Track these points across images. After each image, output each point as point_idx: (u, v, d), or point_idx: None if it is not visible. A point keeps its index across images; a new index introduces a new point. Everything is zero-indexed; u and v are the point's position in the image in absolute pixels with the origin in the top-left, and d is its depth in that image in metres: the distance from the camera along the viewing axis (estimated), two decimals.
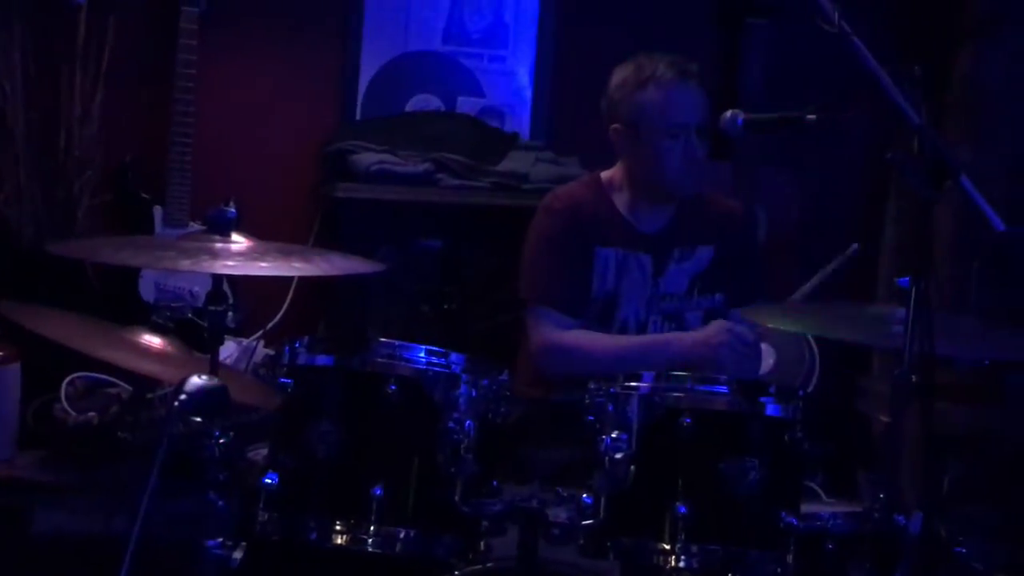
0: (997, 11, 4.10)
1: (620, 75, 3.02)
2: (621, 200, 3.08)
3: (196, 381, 1.98)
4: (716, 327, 2.89)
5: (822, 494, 3.82)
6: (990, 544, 3.00)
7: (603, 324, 3.03)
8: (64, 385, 3.59)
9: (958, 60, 4.20)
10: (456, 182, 4.04)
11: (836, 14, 2.09)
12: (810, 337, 4.07)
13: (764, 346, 3.41)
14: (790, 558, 2.20)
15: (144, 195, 3.98)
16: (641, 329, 3.06)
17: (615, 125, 3.02)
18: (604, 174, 3.13)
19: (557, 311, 2.99)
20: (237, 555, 2.33)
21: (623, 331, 3.05)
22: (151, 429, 3.36)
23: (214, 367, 2.37)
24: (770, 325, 2.95)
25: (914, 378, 2.02)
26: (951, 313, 2.74)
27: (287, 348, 2.33)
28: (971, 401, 3.20)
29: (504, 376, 2.35)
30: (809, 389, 4.02)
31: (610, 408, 2.25)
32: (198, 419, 2.06)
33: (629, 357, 2.86)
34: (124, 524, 2.50)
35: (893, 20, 4.17)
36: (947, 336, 2.24)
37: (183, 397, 1.95)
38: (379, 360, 2.28)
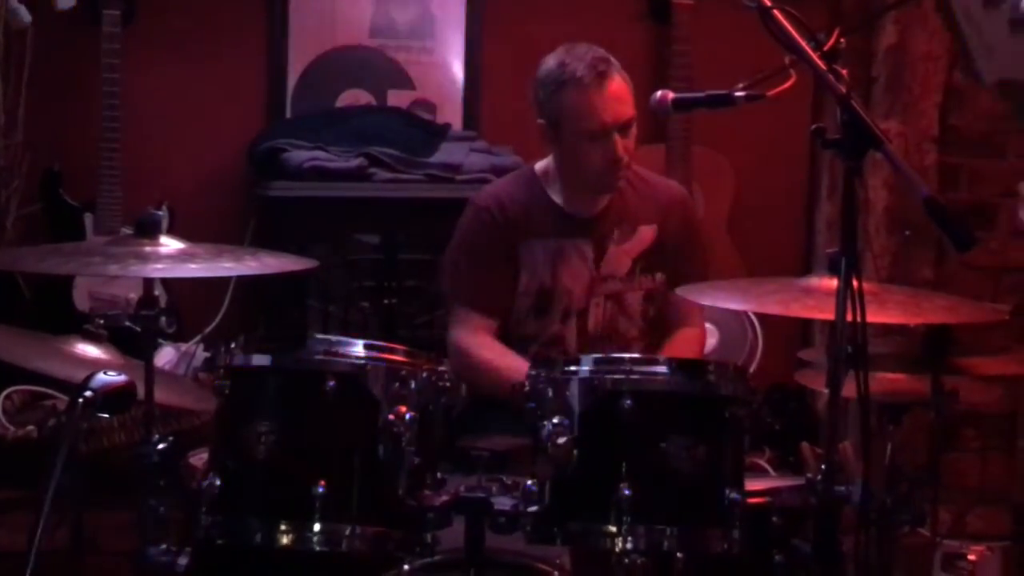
0: None
1: (542, 71, 3.02)
2: (556, 190, 3.09)
3: (101, 377, 1.95)
4: None
5: (770, 470, 3.86)
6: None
7: (540, 315, 3.05)
8: (1, 399, 3.55)
9: (884, 32, 4.23)
10: (390, 176, 4.02)
11: None
12: (752, 314, 4.11)
13: (707, 325, 3.43)
14: (736, 533, 2.21)
15: (74, 203, 3.93)
16: (582, 314, 3.07)
17: (540, 120, 3.03)
18: (538, 165, 3.14)
19: (476, 312, 3.03)
20: (182, 560, 2.31)
21: (565, 319, 3.06)
22: (92, 439, 3.32)
23: (149, 372, 2.35)
24: (709, 303, 2.98)
25: (849, 349, 2.03)
26: (885, 284, 2.77)
27: (222, 349, 2.31)
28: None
29: (443, 367, 2.34)
30: (753, 366, 4.05)
31: (550, 393, 2.25)
32: (105, 415, 2.03)
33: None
34: (68, 537, 2.47)
35: None
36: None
37: (88, 393, 1.93)
38: (316, 357, 2.26)
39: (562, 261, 3.05)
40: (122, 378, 1.97)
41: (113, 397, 1.96)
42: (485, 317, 3.03)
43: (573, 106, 2.95)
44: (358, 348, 2.28)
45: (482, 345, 3.02)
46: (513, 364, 2.92)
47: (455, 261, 3.09)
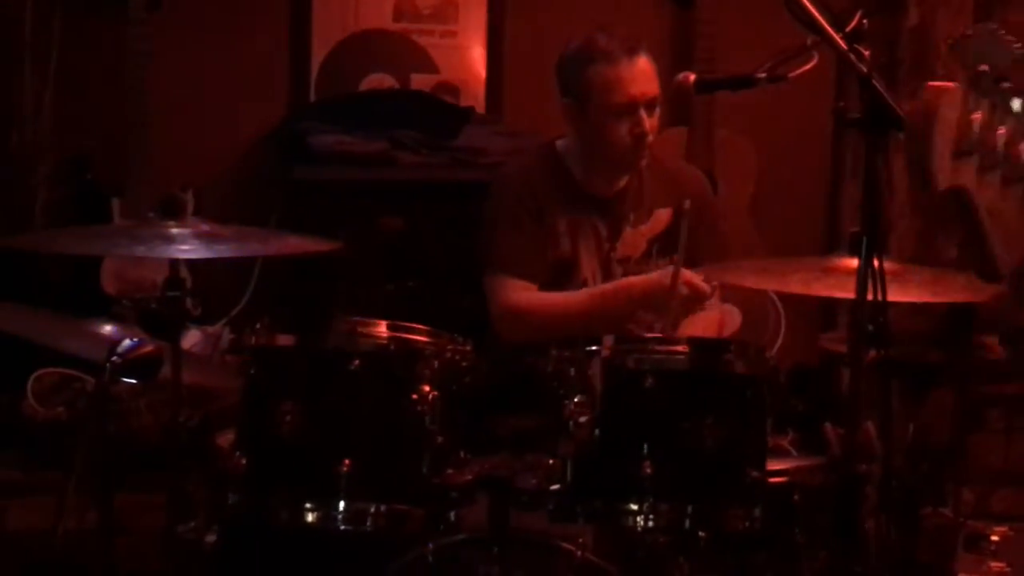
0: None
1: (570, 49, 3.04)
2: (576, 166, 3.10)
3: (128, 343, 1.98)
4: (668, 273, 2.90)
5: (793, 452, 3.86)
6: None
7: (560, 287, 3.06)
8: (31, 381, 3.58)
9: (908, 13, 4.22)
10: (414, 159, 4.04)
11: None
12: (774, 295, 4.11)
13: (729, 306, 3.43)
14: (758, 511, 2.22)
15: (102, 187, 3.96)
16: None
17: (566, 99, 3.04)
18: (559, 142, 3.15)
19: (514, 277, 3.01)
20: (210, 538, 2.34)
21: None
22: (120, 420, 3.35)
23: (176, 354, 2.38)
24: (731, 282, 2.99)
25: (870, 327, 2.04)
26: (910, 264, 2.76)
27: (247, 329, 2.33)
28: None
29: (467, 347, 2.36)
30: (776, 347, 4.05)
31: (572, 372, 2.27)
32: (132, 380, 2.06)
33: (590, 309, 2.89)
34: (97, 518, 2.51)
35: None
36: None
37: (115, 359, 1.95)
38: (341, 337, 2.28)
39: (581, 236, 3.07)
40: (148, 343, 1.99)
41: (139, 363, 1.98)
42: (526, 281, 3.02)
43: (602, 80, 2.96)
44: (382, 328, 2.30)
45: (531, 296, 3.00)
46: (571, 296, 2.97)
47: (489, 233, 3.07)
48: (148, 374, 2.02)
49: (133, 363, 1.96)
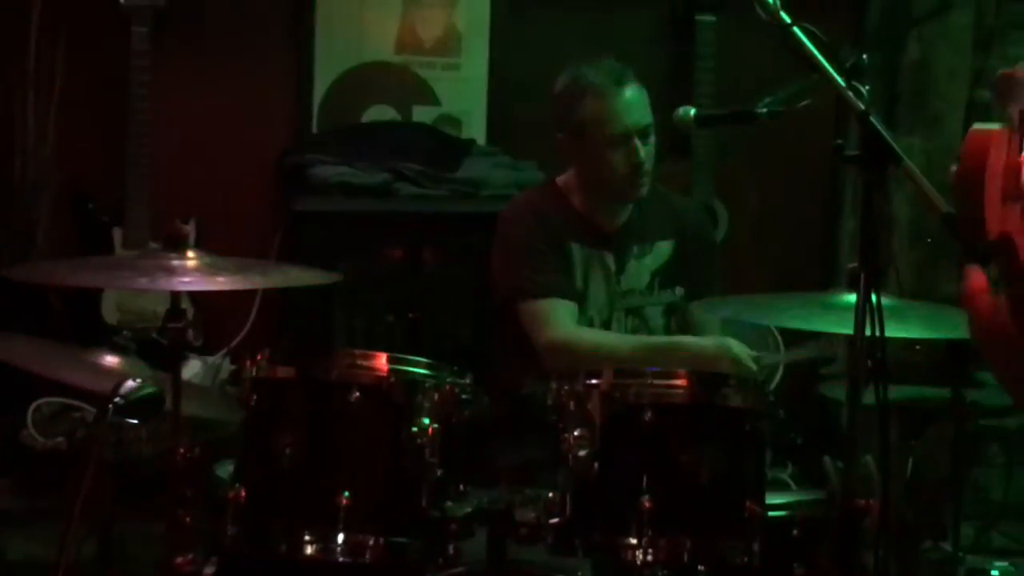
0: None
1: (560, 84, 3.05)
2: (579, 201, 3.11)
3: (130, 384, 1.98)
4: (721, 346, 2.91)
5: (792, 485, 3.85)
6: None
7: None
8: (31, 411, 3.59)
9: (908, 48, 4.24)
10: (415, 191, 4.05)
11: (776, 7, 2.11)
12: (774, 328, 4.12)
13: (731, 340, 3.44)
14: (756, 546, 2.22)
15: (103, 217, 3.98)
16: (605, 325, 3.09)
17: (560, 134, 3.05)
18: (560, 179, 3.16)
19: (558, 297, 2.98)
20: (208, 570, 2.34)
21: (590, 327, 3.08)
22: (120, 450, 3.35)
23: (177, 384, 2.38)
24: (731, 317, 3.00)
25: (869, 362, 2.04)
26: (908, 298, 2.77)
27: (249, 361, 2.33)
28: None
29: (467, 379, 2.36)
30: (775, 380, 4.05)
31: (572, 406, 2.27)
32: (134, 421, 2.06)
33: (635, 357, 2.88)
34: (96, 547, 2.51)
35: (847, 11, 4.22)
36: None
37: (118, 400, 1.95)
38: (341, 369, 2.28)
39: (591, 269, 3.07)
40: (150, 384, 2.00)
41: (142, 403, 1.98)
42: (569, 300, 3.00)
43: (593, 113, 2.98)
44: (382, 360, 2.31)
45: (582, 333, 2.98)
46: (622, 340, 2.98)
47: (517, 265, 3.03)
48: (150, 414, 2.03)
49: (135, 404, 1.96)
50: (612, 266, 3.08)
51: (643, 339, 3.03)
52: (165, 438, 3.40)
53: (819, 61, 2.10)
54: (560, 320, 2.97)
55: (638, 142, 2.97)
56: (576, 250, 3.06)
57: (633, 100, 2.98)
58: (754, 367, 2.91)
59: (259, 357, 2.32)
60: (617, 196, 3.08)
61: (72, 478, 3.30)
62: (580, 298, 3.05)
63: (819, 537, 2.36)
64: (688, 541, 2.21)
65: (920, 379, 2.90)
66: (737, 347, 2.90)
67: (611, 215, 3.11)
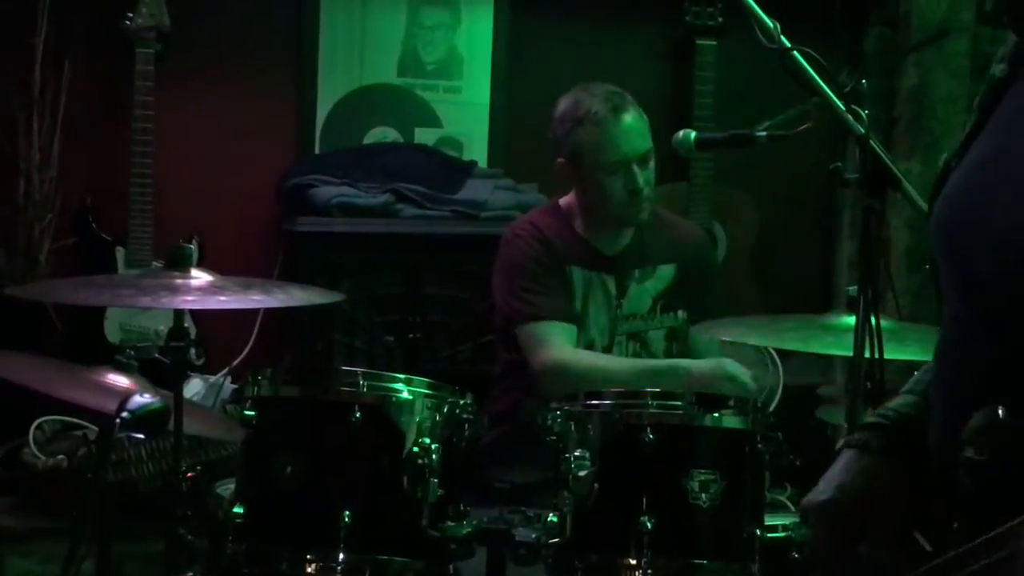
0: (941, 24, 4.18)
1: (559, 111, 3.06)
2: (580, 225, 3.12)
3: (137, 399, 1.99)
4: (717, 367, 2.92)
5: (791, 507, 3.86)
6: None
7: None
8: (32, 430, 3.59)
9: (906, 73, 4.27)
10: (416, 212, 4.07)
11: (776, 32, 2.14)
12: (772, 350, 4.13)
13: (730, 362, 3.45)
14: (756, 567, 2.22)
15: (106, 236, 4.00)
16: (607, 350, 3.09)
17: (559, 159, 3.07)
18: (562, 201, 3.18)
19: (557, 320, 3.00)
20: None
21: (590, 349, 3.09)
22: (119, 468, 3.36)
23: (179, 403, 2.39)
24: (730, 339, 3.01)
25: (868, 385, 2.05)
26: (907, 323, 2.79)
27: (250, 380, 2.35)
28: None
29: (467, 399, 2.37)
30: (774, 402, 4.06)
31: (572, 427, 2.28)
32: (140, 436, 2.06)
33: (639, 383, 2.87)
34: (95, 567, 2.51)
35: (844, 36, 4.25)
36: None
37: (125, 414, 1.97)
38: (342, 389, 2.29)
39: (591, 293, 3.08)
40: (158, 400, 2.01)
41: (149, 418, 1.99)
42: (567, 323, 3.01)
43: (591, 141, 2.99)
44: (383, 380, 2.32)
45: (579, 355, 2.99)
46: (620, 364, 2.98)
47: (516, 288, 3.04)
48: (156, 429, 2.04)
49: (142, 419, 1.97)
50: (613, 289, 3.09)
51: (640, 362, 3.04)
52: (166, 457, 3.43)
53: (819, 85, 2.13)
54: (556, 343, 2.97)
55: (636, 168, 2.98)
56: (577, 273, 3.07)
57: (631, 127, 2.99)
58: (752, 387, 2.92)
59: (260, 376, 2.33)
60: (616, 222, 3.09)
61: (72, 496, 3.32)
62: (580, 322, 3.06)
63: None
64: (686, 563, 2.21)
65: None
66: (734, 368, 2.92)
67: (612, 239, 3.12)
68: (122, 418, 1.95)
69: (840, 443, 1.50)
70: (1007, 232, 1.17)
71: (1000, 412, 1.13)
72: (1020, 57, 1.29)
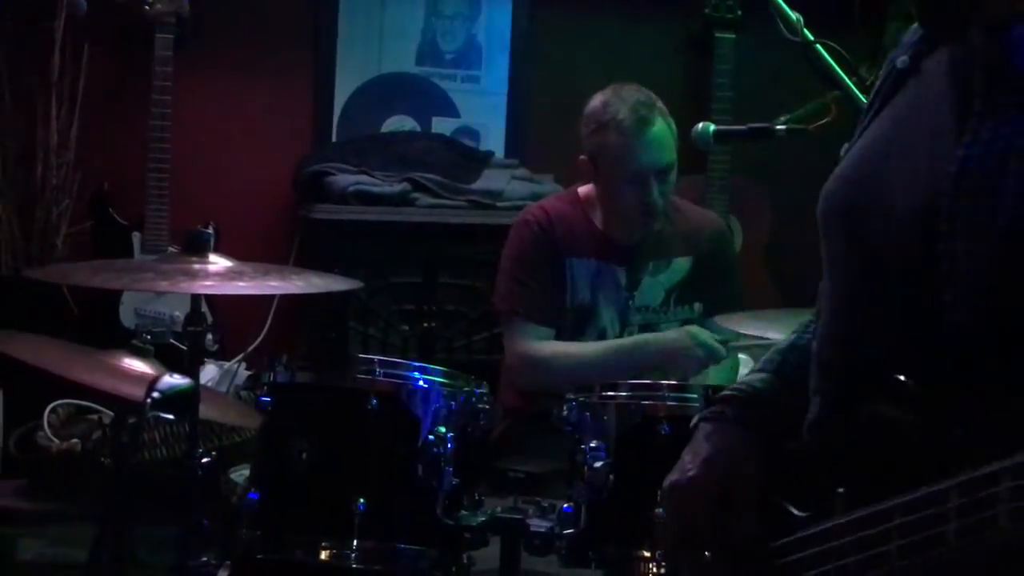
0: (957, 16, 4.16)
1: (589, 109, 3.03)
2: (596, 215, 3.11)
3: (168, 379, 2.00)
4: (684, 335, 2.93)
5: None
6: None
7: (579, 334, 3.06)
8: (47, 413, 3.60)
9: None
10: (432, 201, 4.07)
11: (799, 25, 2.13)
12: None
13: (742, 356, 3.43)
14: None
15: (122, 221, 4.00)
16: None
17: (581, 156, 3.06)
18: (581, 189, 3.16)
19: (532, 322, 3.02)
20: (222, 574, 2.34)
21: (601, 340, 3.09)
22: (134, 453, 3.36)
23: (195, 388, 2.39)
24: (745, 332, 2.99)
25: None
26: None
27: (267, 366, 2.35)
28: None
29: (483, 389, 2.37)
30: None
31: (588, 418, 2.28)
32: (169, 416, 2.07)
33: (605, 363, 2.89)
34: (110, 551, 2.51)
35: (865, 29, 4.23)
36: None
37: (156, 395, 1.97)
38: (359, 376, 2.29)
39: (601, 283, 3.08)
40: (187, 381, 2.01)
41: (179, 399, 2.00)
42: (542, 327, 3.02)
43: (612, 148, 2.96)
44: (400, 369, 2.32)
45: (543, 345, 3.01)
46: (588, 348, 2.97)
47: (508, 276, 3.08)
48: (184, 410, 2.05)
49: (172, 399, 1.98)
50: (623, 281, 3.08)
51: (607, 343, 3.03)
52: (180, 442, 3.43)
53: (842, 78, 2.12)
54: (522, 338, 3.00)
55: (654, 181, 2.96)
56: (583, 263, 3.06)
57: (654, 140, 2.95)
58: (724, 352, 2.90)
59: (277, 363, 2.34)
60: (627, 226, 3.07)
61: (86, 479, 3.32)
62: (589, 313, 3.06)
63: None
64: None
65: None
66: (703, 334, 2.90)
67: (628, 229, 3.11)
68: (153, 398, 1.96)
69: (695, 419, 1.54)
70: (903, 215, 1.25)
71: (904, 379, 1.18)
72: (922, 50, 1.31)
